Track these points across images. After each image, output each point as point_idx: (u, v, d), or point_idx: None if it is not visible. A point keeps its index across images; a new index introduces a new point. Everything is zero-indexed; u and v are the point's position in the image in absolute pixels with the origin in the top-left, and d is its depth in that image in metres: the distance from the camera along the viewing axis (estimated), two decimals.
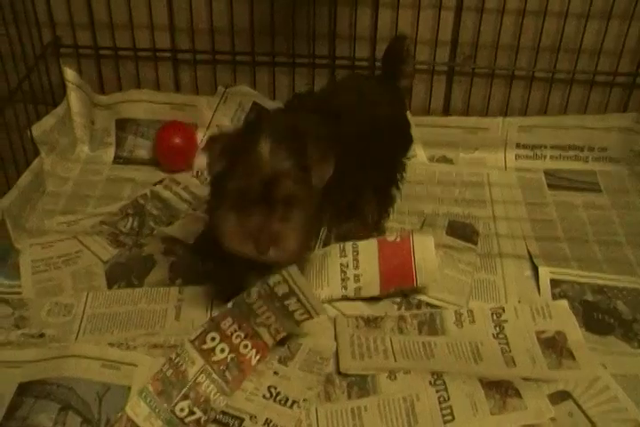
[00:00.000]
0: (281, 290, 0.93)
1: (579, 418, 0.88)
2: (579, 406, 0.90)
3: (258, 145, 0.86)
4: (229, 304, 0.94)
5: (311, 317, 0.95)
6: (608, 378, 0.93)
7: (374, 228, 1.15)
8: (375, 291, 1.05)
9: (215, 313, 0.99)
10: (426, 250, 1.05)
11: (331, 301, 1.04)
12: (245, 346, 0.93)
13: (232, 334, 0.93)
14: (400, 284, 1.05)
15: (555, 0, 1.25)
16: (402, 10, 1.27)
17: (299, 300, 0.93)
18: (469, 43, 1.30)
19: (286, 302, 0.93)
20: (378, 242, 1.07)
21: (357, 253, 1.07)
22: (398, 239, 1.07)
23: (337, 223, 1.13)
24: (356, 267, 1.06)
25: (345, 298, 1.05)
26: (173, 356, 0.90)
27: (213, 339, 0.92)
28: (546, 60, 1.30)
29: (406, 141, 1.14)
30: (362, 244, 1.08)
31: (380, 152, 1.04)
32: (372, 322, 1.01)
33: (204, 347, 0.91)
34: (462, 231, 1.18)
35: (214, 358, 0.91)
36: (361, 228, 1.14)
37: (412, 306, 1.05)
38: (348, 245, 1.08)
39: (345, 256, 1.07)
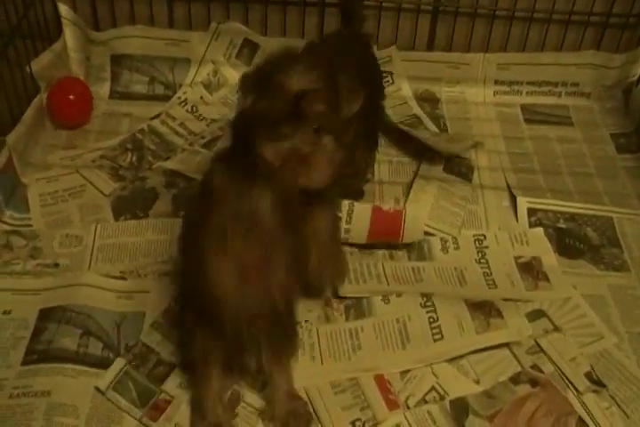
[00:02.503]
0: None
1: (552, 333, 0.92)
2: (552, 323, 0.93)
3: (290, 69, 0.77)
4: None
5: None
6: (578, 298, 0.97)
7: (364, 174, 1.12)
8: (362, 240, 1.03)
9: None
10: (416, 221, 1.04)
11: None
12: None
13: None
14: (386, 239, 1.04)
15: None
16: None
17: None
18: None
19: None
20: (372, 207, 1.05)
21: (352, 212, 1.04)
22: (392, 210, 1.05)
23: None
24: (348, 222, 1.03)
25: None
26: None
27: None
28: (525, 0, 1.27)
29: (379, 83, 1.10)
30: (358, 205, 1.05)
31: None
32: (365, 249, 1.02)
33: None
34: (458, 168, 1.17)
35: None
36: (354, 173, 1.08)
37: None
38: (345, 203, 1.05)
39: (339, 211, 1.04)
